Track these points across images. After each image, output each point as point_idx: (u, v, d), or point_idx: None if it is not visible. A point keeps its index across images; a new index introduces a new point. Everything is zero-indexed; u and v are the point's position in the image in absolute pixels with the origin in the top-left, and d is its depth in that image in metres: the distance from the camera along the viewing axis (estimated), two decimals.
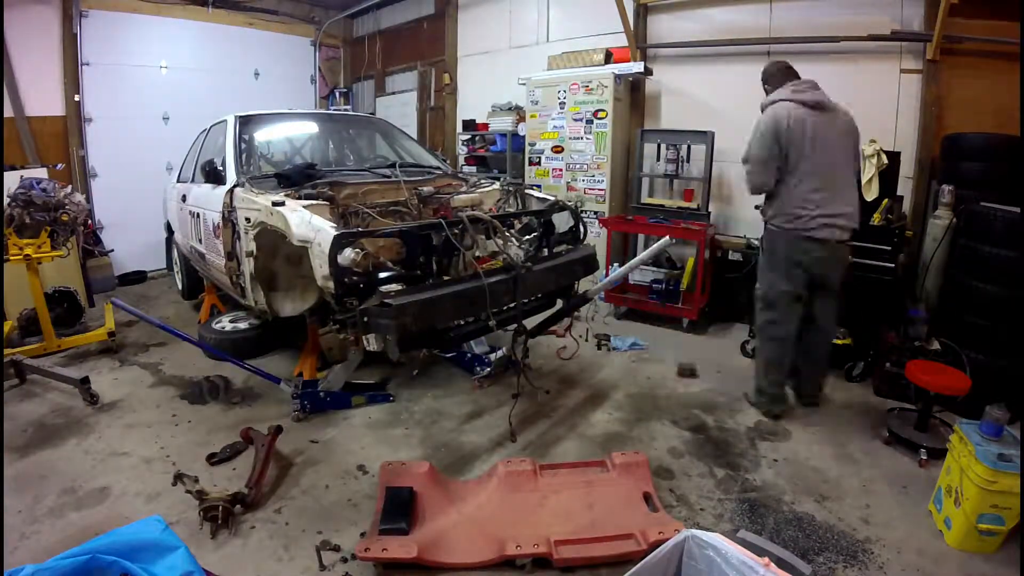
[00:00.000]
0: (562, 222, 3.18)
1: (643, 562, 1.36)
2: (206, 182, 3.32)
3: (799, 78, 2.76)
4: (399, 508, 1.97)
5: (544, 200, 3.21)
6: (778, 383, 2.87)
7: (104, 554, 1.23)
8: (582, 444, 2.64)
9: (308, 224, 2.30)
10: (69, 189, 3.46)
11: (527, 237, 3.01)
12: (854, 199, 2.72)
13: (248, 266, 2.79)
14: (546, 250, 2.98)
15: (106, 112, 5.52)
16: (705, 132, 4.22)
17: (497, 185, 3.47)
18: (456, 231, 2.40)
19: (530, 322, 2.78)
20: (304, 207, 2.44)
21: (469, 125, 5.88)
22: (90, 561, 1.21)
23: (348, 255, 2.12)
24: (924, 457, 2.43)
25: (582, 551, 1.84)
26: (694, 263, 4.13)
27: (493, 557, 1.81)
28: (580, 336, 3.31)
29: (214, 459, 2.36)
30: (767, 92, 2.84)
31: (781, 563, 1.40)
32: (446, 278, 2.45)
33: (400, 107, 6.86)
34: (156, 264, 5.82)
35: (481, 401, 3.03)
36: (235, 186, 2.98)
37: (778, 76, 2.80)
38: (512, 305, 2.51)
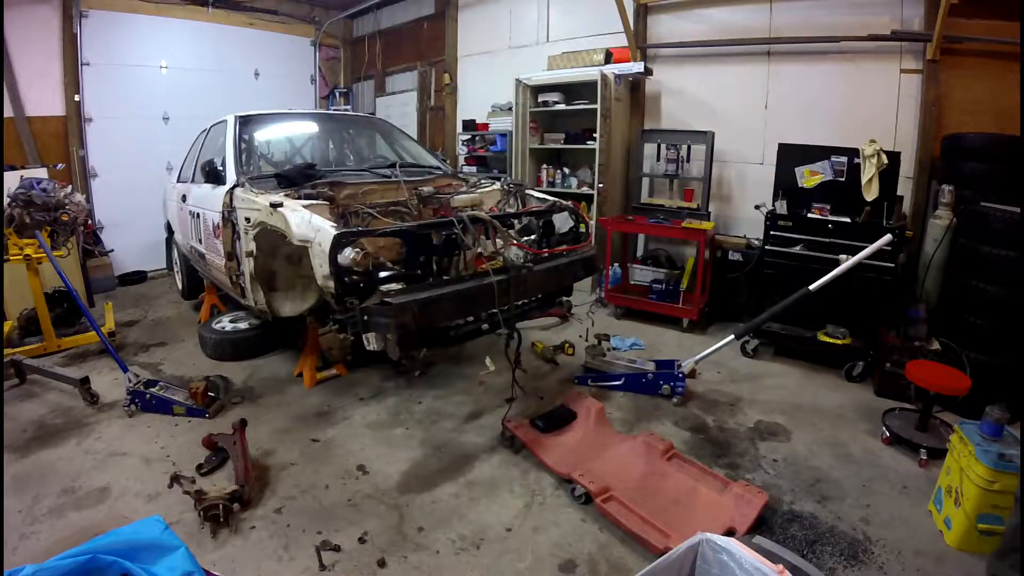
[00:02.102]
0: (563, 222, 3.17)
1: (656, 563, 1.35)
2: (206, 182, 3.32)
3: None
4: (555, 417, 2.67)
5: (544, 200, 3.21)
6: None
7: (104, 554, 1.23)
8: None
9: (308, 224, 2.30)
10: (69, 189, 3.45)
11: (526, 238, 3.00)
12: None
13: (248, 266, 2.79)
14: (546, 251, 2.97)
15: (106, 112, 5.53)
16: (705, 132, 4.23)
17: (497, 185, 3.46)
18: (456, 231, 2.40)
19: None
20: (304, 207, 2.44)
21: (469, 125, 5.88)
22: (90, 561, 1.21)
23: (348, 255, 2.12)
24: (924, 457, 2.43)
25: (619, 513, 2.02)
26: (694, 263, 4.13)
27: (564, 472, 2.27)
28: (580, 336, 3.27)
29: (203, 470, 2.36)
30: None
31: (796, 570, 1.38)
32: (445, 278, 2.45)
33: (400, 107, 6.86)
34: (156, 264, 5.82)
35: (482, 401, 3.02)
36: (235, 186, 2.98)
37: None
38: (512, 305, 2.51)
